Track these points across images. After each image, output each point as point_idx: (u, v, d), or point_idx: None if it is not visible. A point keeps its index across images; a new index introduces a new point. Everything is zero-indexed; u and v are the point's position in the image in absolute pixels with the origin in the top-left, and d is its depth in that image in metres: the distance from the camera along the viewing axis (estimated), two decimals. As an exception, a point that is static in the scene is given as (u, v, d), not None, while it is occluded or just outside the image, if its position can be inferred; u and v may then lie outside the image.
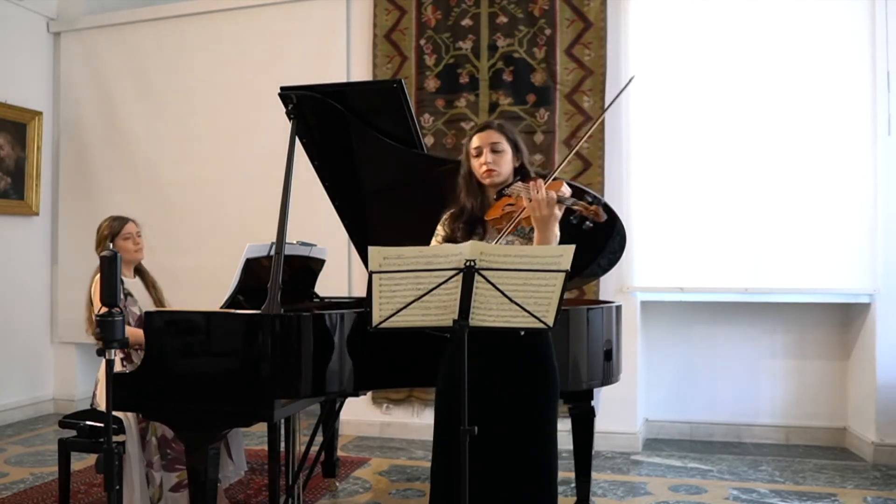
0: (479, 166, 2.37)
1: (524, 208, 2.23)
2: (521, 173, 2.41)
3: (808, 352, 4.64)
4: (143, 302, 3.26)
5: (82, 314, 3.24)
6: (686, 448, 4.54)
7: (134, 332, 3.04)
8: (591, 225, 2.20)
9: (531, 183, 2.26)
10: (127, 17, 5.54)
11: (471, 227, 2.38)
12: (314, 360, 2.52)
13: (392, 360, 2.66)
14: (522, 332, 2.16)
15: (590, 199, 2.21)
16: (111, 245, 3.21)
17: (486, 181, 2.38)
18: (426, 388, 4.60)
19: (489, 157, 2.34)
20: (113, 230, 3.28)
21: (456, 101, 4.72)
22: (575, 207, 2.19)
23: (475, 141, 2.38)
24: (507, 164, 2.38)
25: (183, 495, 2.94)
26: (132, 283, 3.31)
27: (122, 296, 3.19)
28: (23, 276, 5.49)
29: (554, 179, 2.32)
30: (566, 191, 2.24)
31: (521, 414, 2.21)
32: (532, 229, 2.27)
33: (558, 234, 2.22)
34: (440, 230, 2.46)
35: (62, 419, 3.08)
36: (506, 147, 2.37)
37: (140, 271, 3.39)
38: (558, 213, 2.19)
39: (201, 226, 5.21)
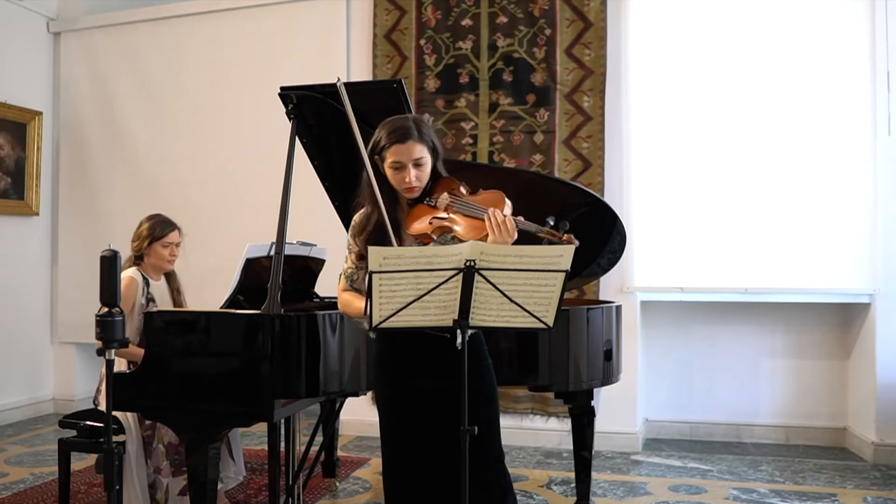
0: (398, 181, 2.14)
1: (465, 226, 2.08)
2: (436, 175, 2.20)
3: (808, 352, 4.64)
4: (164, 307, 3.17)
5: (87, 316, 3.18)
6: (686, 448, 4.54)
7: (136, 352, 2.99)
8: None
9: (460, 190, 2.11)
10: (127, 17, 5.54)
11: (379, 239, 2.13)
12: (314, 360, 2.52)
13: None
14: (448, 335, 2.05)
15: (553, 223, 2.05)
16: (147, 247, 3.13)
17: (406, 195, 2.17)
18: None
19: (412, 173, 2.11)
20: (155, 233, 3.15)
21: (456, 101, 4.72)
22: (541, 235, 2.05)
23: (394, 154, 2.11)
24: (427, 175, 2.16)
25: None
26: (156, 286, 3.24)
27: (143, 300, 3.14)
28: (23, 276, 5.49)
29: (487, 191, 2.15)
30: (509, 206, 2.08)
31: (471, 416, 2.03)
32: (454, 237, 2.12)
33: None
34: (353, 244, 2.24)
35: (62, 419, 3.08)
36: (427, 158, 2.14)
37: (168, 275, 3.30)
38: (515, 236, 2.02)
39: (201, 226, 5.17)
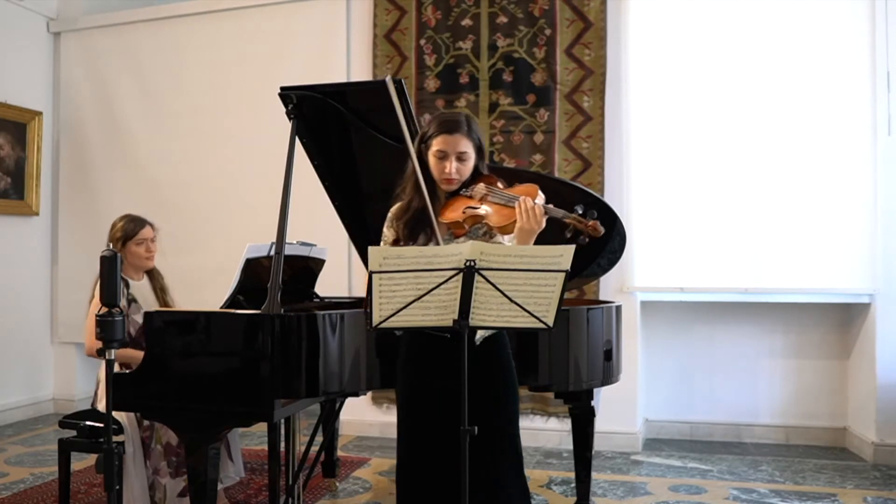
0: (439, 170, 2.22)
1: (495, 213, 2.14)
2: (477, 173, 2.28)
3: (808, 352, 4.64)
4: (148, 307, 3.14)
5: (86, 312, 3.18)
6: (686, 448, 4.54)
7: (133, 355, 2.99)
8: (587, 240, 2.11)
9: (498, 185, 2.16)
10: (127, 17, 5.54)
11: (415, 226, 2.24)
12: (314, 361, 2.52)
13: (392, 360, 2.66)
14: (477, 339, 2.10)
15: (581, 212, 2.11)
16: (122, 249, 3.14)
17: (444, 187, 2.25)
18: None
19: (454, 164, 2.20)
20: (127, 232, 3.17)
21: (456, 101, 4.72)
22: (566, 221, 2.11)
23: (440, 143, 2.20)
24: (468, 170, 2.24)
25: (189, 500, 2.93)
26: (138, 287, 3.23)
27: (125, 301, 3.12)
28: (23, 276, 5.49)
29: (525, 183, 2.23)
30: (541, 197, 2.16)
31: (484, 416, 2.11)
32: (486, 233, 2.21)
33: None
34: (387, 233, 2.32)
35: (62, 419, 3.08)
36: (471, 154, 2.23)
37: (150, 273, 3.30)
38: (544, 224, 2.09)
39: (201, 226, 5.21)
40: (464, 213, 2.19)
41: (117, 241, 3.16)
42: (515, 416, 2.26)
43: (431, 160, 2.24)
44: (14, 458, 4.38)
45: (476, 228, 2.23)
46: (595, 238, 2.13)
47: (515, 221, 2.10)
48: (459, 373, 1.96)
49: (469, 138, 2.22)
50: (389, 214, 2.35)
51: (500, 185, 2.25)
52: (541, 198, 2.16)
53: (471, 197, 2.22)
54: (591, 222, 2.09)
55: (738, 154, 4.38)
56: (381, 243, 2.34)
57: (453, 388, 2.05)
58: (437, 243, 2.22)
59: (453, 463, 2.04)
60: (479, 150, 2.26)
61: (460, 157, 2.21)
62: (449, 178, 2.22)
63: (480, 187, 2.21)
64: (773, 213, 4.34)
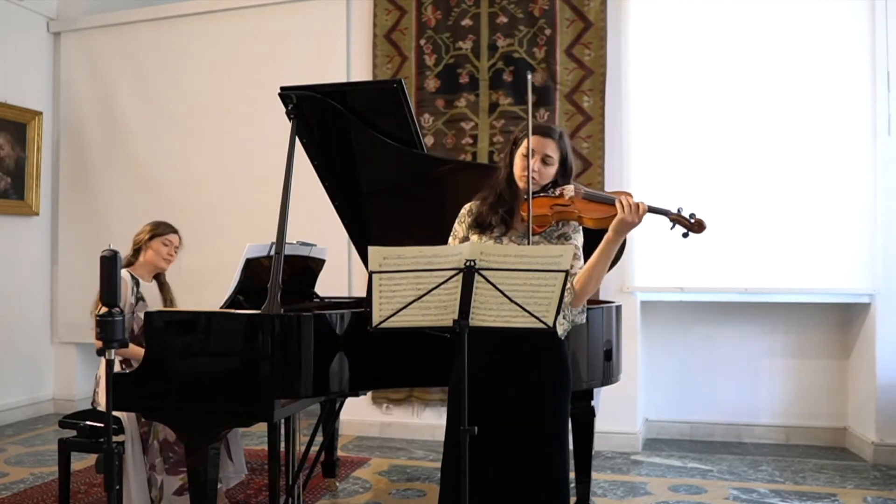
0: (521, 168, 2.27)
1: (585, 209, 2.23)
2: (556, 185, 2.33)
3: (808, 352, 4.64)
4: (154, 308, 3.20)
5: (90, 311, 3.21)
6: (686, 448, 4.54)
7: (135, 350, 3.01)
8: (688, 235, 2.24)
9: (622, 195, 2.24)
10: (127, 17, 5.54)
11: (490, 219, 2.30)
12: (314, 361, 2.52)
13: (392, 360, 2.66)
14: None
15: (677, 210, 2.25)
16: (147, 241, 3.26)
17: (521, 184, 2.28)
18: (426, 388, 4.64)
19: (537, 164, 2.26)
20: (156, 230, 3.30)
21: (456, 101, 4.72)
22: (672, 216, 2.23)
23: (532, 141, 2.24)
24: (549, 176, 2.30)
25: (185, 499, 2.93)
26: (147, 287, 3.29)
27: (133, 299, 3.18)
28: (23, 276, 5.49)
29: (562, 186, 2.31)
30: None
31: (531, 415, 2.18)
32: (560, 234, 2.30)
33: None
34: (458, 228, 2.38)
35: (62, 419, 3.08)
36: (555, 161, 2.30)
37: (160, 282, 3.38)
38: (643, 221, 2.18)
39: (201, 226, 5.19)
40: (551, 208, 2.26)
41: (146, 233, 3.29)
42: (562, 414, 2.28)
43: (517, 160, 2.30)
44: (14, 458, 4.38)
45: (560, 225, 2.30)
46: (700, 232, 2.24)
47: (613, 216, 2.17)
48: (504, 366, 2.07)
49: (558, 146, 2.30)
50: (463, 210, 2.40)
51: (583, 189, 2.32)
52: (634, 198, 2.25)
53: (558, 196, 2.29)
54: (693, 219, 2.24)
55: (738, 154, 4.38)
56: (451, 239, 2.39)
57: (496, 384, 2.15)
58: (512, 239, 2.29)
59: (499, 456, 2.13)
60: (564, 164, 2.33)
61: (545, 160, 2.28)
62: (531, 176, 2.25)
63: (569, 188, 2.29)
64: (773, 212, 4.34)
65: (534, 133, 2.27)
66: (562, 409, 2.26)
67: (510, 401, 2.18)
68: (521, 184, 2.29)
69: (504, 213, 2.30)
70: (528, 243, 2.19)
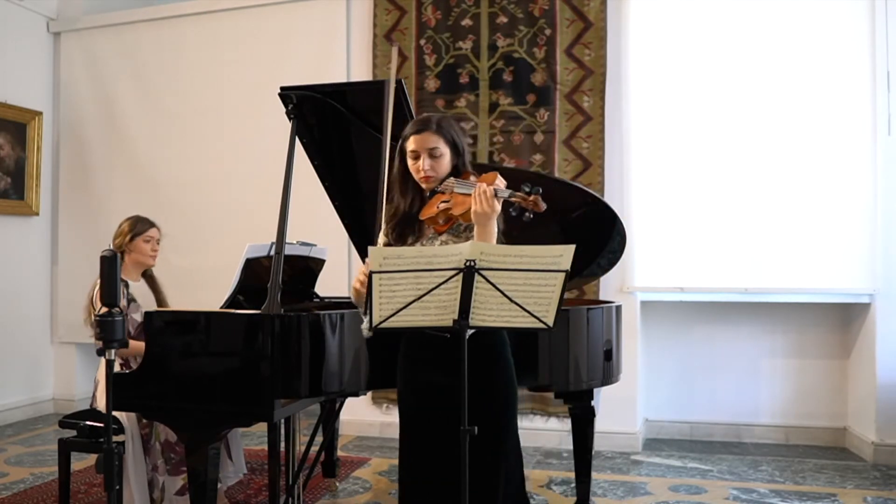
0: (415, 171, 2.24)
1: (459, 204, 2.14)
2: (458, 170, 2.28)
3: (808, 352, 4.64)
4: (147, 308, 3.17)
5: (82, 316, 3.22)
6: (686, 448, 4.54)
7: (135, 346, 3.01)
8: (531, 216, 2.11)
9: (470, 179, 2.17)
10: (127, 17, 5.54)
11: (403, 228, 2.27)
12: (314, 360, 2.52)
13: (392, 360, 2.65)
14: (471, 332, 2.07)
15: (527, 189, 2.10)
16: (128, 243, 3.24)
17: (424, 186, 2.25)
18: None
19: (426, 162, 2.21)
20: (136, 229, 3.27)
21: (456, 101, 4.72)
22: (512, 199, 2.10)
23: (411, 143, 2.23)
24: (445, 166, 2.24)
25: (187, 499, 2.93)
26: (136, 287, 3.28)
27: (124, 301, 3.16)
28: (23, 276, 5.49)
29: (488, 171, 2.24)
30: (501, 182, 2.14)
31: (481, 414, 2.08)
32: (467, 227, 2.20)
33: (495, 230, 2.12)
34: (381, 238, 2.33)
35: (62, 419, 3.08)
36: (444, 150, 2.23)
37: (149, 278, 3.36)
38: (498, 207, 2.08)
39: (201, 226, 5.20)
40: (437, 207, 2.19)
41: (126, 235, 3.26)
42: (510, 411, 2.23)
43: (409, 162, 2.26)
44: (14, 458, 4.38)
45: (457, 225, 2.23)
46: (537, 213, 2.11)
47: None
48: (458, 369, 1.96)
49: (439, 135, 2.23)
50: (383, 219, 2.36)
51: (472, 178, 2.23)
52: (500, 182, 2.15)
53: (443, 192, 2.22)
54: (532, 197, 2.08)
55: (738, 154, 4.38)
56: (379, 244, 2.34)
57: (452, 384, 2.04)
58: (423, 244, 2.24)
59: (454, 461, 2.03)
60: (455, 148, 2.26)
61: (432, 154, 2.22)
62: (425, 177, 2.22)
63: (449, 181, 2.21)
64: (772, 212, 4.34)
65: (411, 133, 2.23)
66: (510, 405, 2.22)
67: (447, 390, 2.09)
68: (422, 185, 2.25)
69: (411, 220, 2.26)
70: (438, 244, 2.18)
